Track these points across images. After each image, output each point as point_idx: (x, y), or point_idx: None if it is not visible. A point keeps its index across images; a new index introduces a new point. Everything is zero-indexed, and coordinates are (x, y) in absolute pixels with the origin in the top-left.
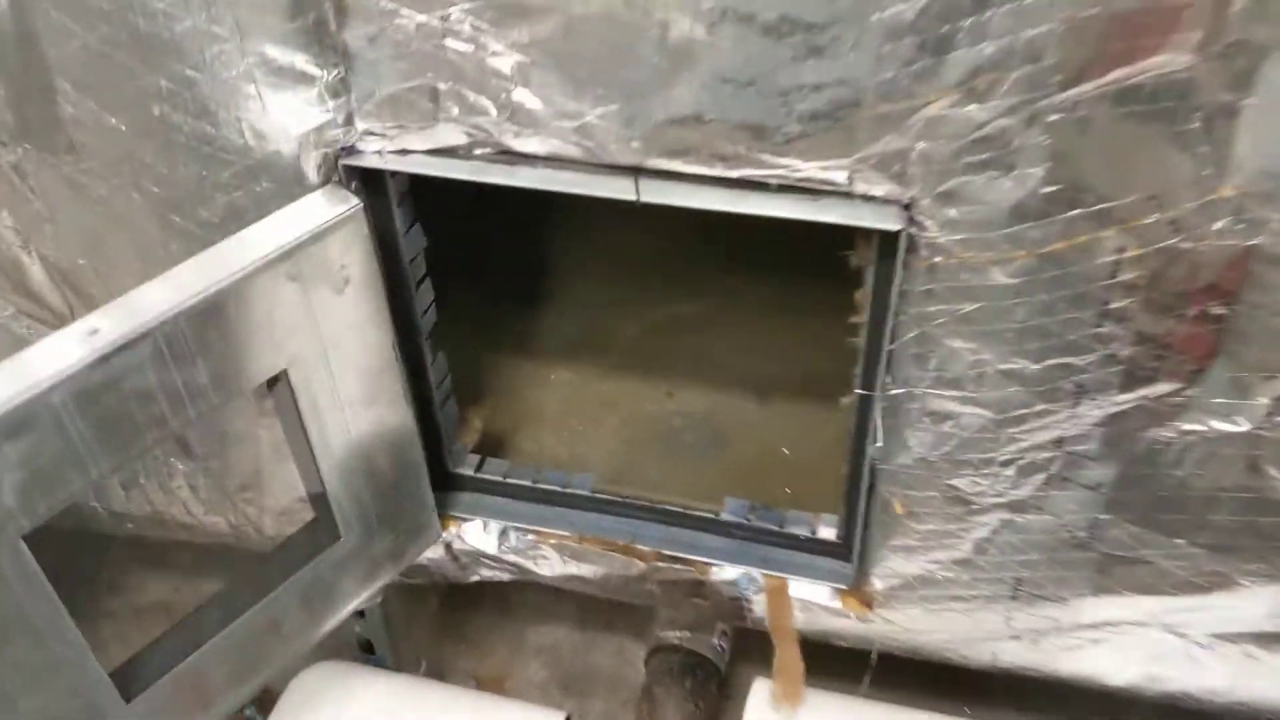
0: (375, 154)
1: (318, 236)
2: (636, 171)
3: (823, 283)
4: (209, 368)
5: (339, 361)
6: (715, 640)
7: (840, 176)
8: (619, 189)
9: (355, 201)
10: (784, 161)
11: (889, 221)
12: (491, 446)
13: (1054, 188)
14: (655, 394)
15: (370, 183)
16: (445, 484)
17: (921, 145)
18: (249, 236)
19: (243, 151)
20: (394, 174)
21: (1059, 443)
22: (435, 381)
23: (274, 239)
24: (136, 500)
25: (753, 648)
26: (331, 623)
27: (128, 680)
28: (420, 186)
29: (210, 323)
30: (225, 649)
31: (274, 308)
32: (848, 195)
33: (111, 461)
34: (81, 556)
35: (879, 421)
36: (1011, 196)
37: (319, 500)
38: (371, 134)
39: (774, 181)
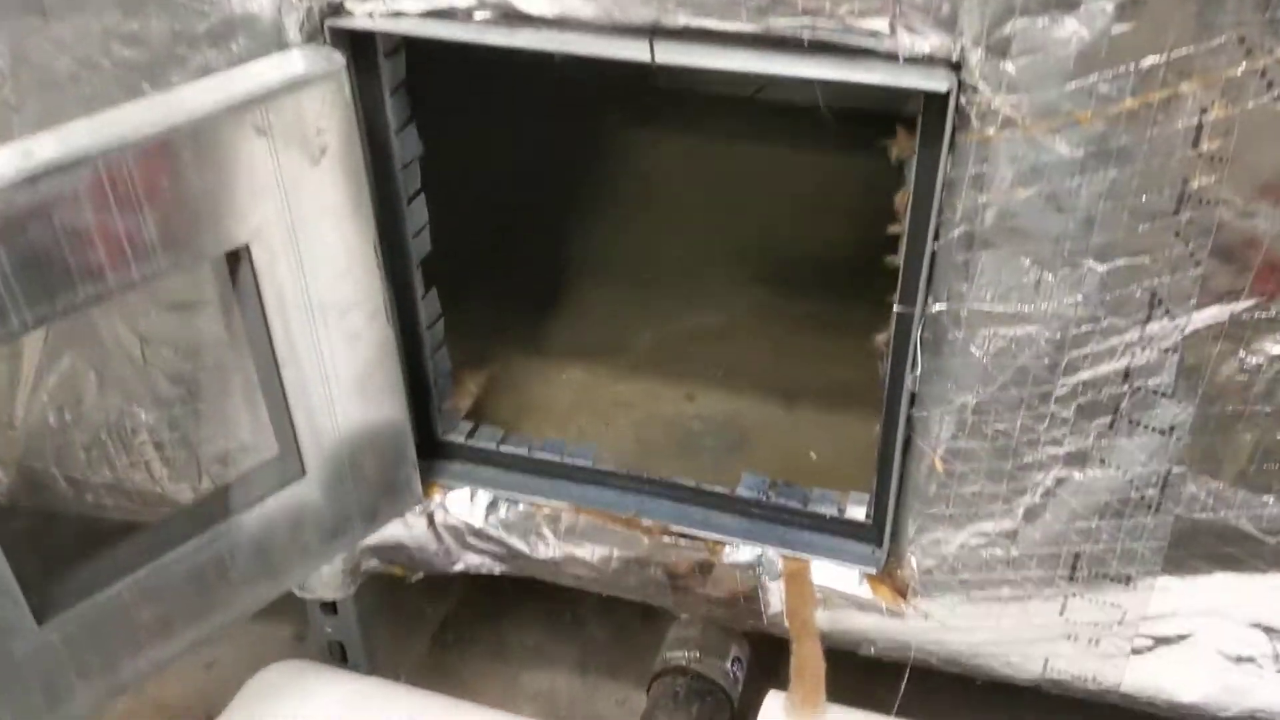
0: (366, 15)
1: (292, 89)
2: (652, 31)
3: (859, 302)
4: (157, 220)
5: (311, 249)
6: (728, 665)
7: (880, 24)
8: (632, 49)
9: (338, 58)
10: (818, 4)
11: (936, 80)
12: None
13: (1126, 26)
14: (674, 396)
15: (361, 57)
16: (432, 451)
17: None
18: (214, 81)
19: (218, 2)
20: (389, 54)
21: (1126, 375)
22: (426, 321)
23: (242, 84)
24: (97, 464)
25: (769, 670)
26: (289, 579)
27: (42, 597)
28: (418, 80)
29: (161, 166)
30: (158, 584)
31: (237, 163)
32: (890, 56)
33: (35, 310)
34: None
35: (918, 345)
36: (1077, 40)
37: (280, 422)
38: None
39: (805, 35)
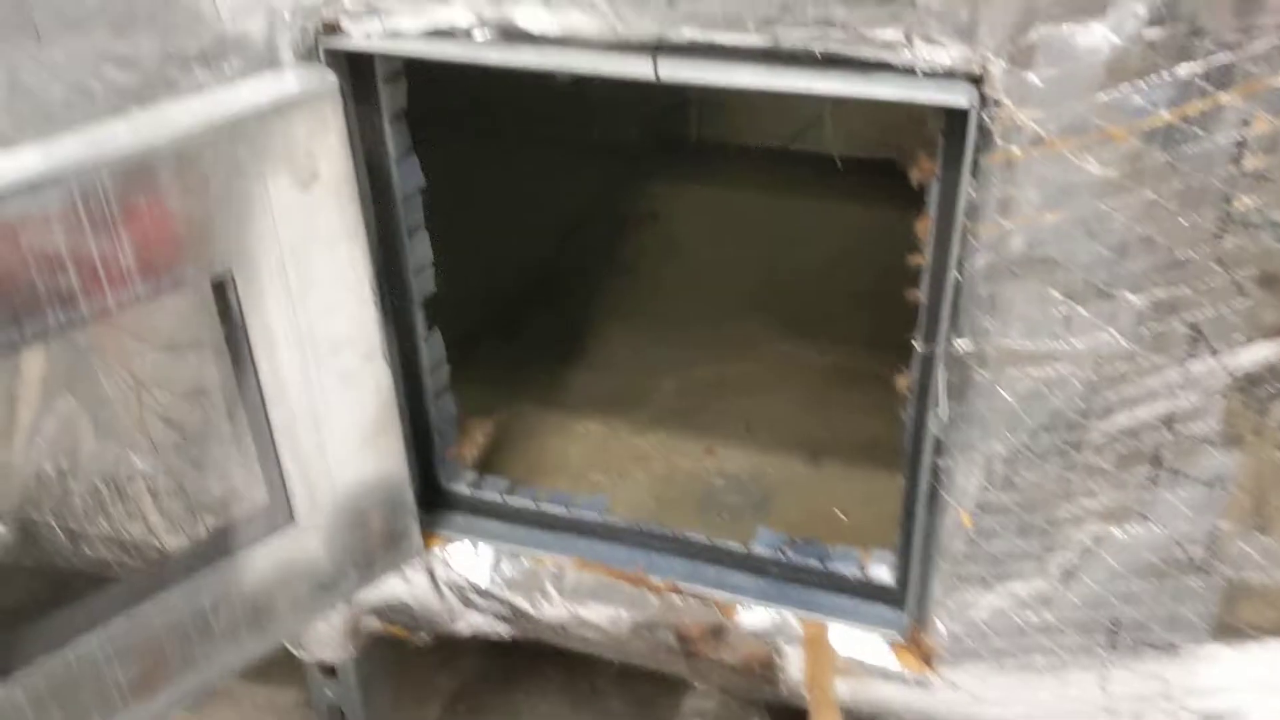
0: (363, 35)
1: (282, 109)
2: (656, 47)
3: (887, 354)
4: (134, 244)
5: (301, 280)
6: None
7: (896, 34)
8: (635, 66)
9: (331, 77)
10: (830, 13)
11: (956, 95)
12: None
13: (1160, 30)
14: (694, 450)
15: (360, 81)
16: (434, 500)
17: None
18: (199, 100)
19: (209, 21)
20: (389, 80)
21: (1168, 419)
22: (429, 364)
23: (228, 104)
24: (93, 515)
25: None
26: (278, 633)
27: (6, 649)
28: (419, 112)
29: (139, 185)
30: (135, 638)
31: (221, 185)
32: (907, 70)
33: (2, 334)
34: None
35: (942, 385)
36: (1107, 47)
37: (269, 465)
38: (357, 8)
39: (816, 48)
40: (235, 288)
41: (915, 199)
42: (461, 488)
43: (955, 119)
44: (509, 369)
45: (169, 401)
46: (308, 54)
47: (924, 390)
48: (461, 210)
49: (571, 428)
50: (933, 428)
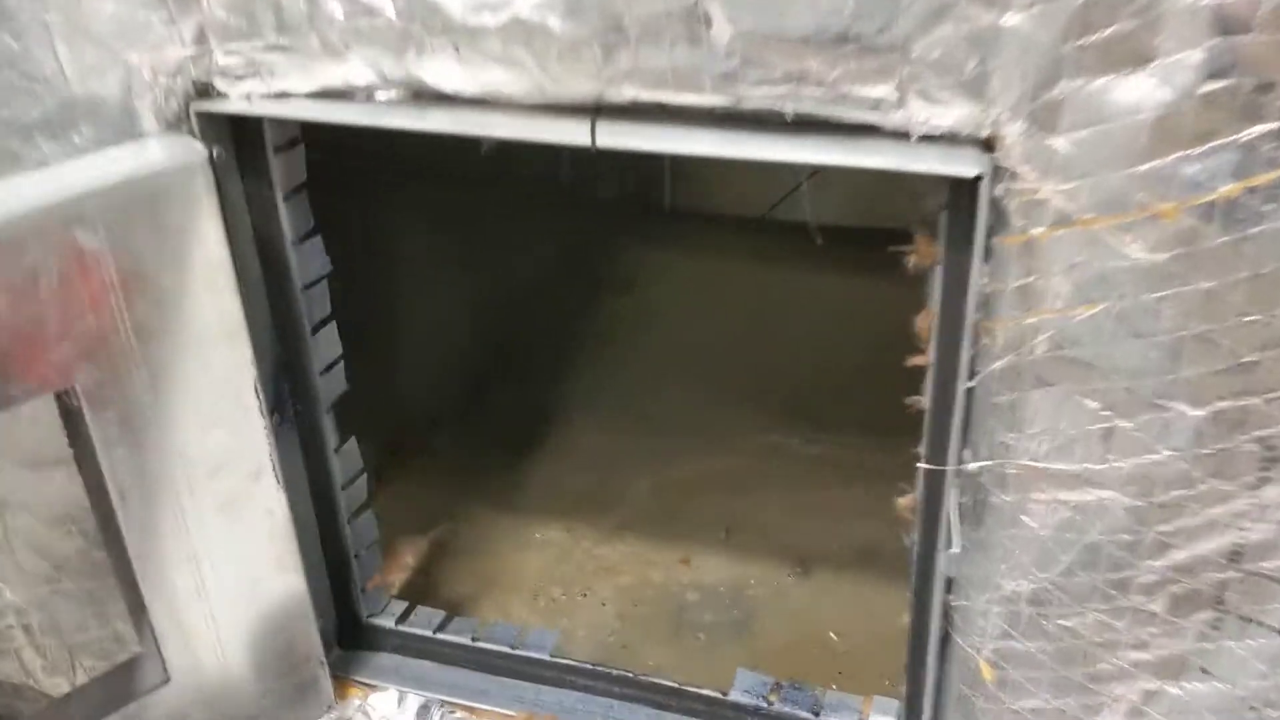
0: (242, 97)
1: (140, 186)
2: (595, 110)
3: (883, 445)
4: None
5: (167, 390)
6: None
7: (885, 90)
8: (569, 131)
9: (198, 148)
10: (803, 67)
11: (961, 164)
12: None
13: (1219, 85)
14: (667, 560)
15: (246, 152)
16: (353, 637)
17: (1012, 21)
18: (32, 177)
19: (53, 81)
20: (281, 149)
21: (1235, 555)
22: (342, 478)
23: (70, 181)
24: None
25: None
26: None
27: None
28: (323, 173)
29: None
30: None
31: (59, 278)
32: (898, 134)
33: None
34: None
35: (953, 512)
36: (1152, 104)
37: (136, 613)
38: (234, 66)
39: (787, 109)
40: (81, 403)
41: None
42: (386, 622)
43: (961, 192)
44: (461, 460)
45: (34, 527)
46: (176, 120)
47: (931, 515)
48: (409, 268)
49: (529, 535)
50: (942, 565)
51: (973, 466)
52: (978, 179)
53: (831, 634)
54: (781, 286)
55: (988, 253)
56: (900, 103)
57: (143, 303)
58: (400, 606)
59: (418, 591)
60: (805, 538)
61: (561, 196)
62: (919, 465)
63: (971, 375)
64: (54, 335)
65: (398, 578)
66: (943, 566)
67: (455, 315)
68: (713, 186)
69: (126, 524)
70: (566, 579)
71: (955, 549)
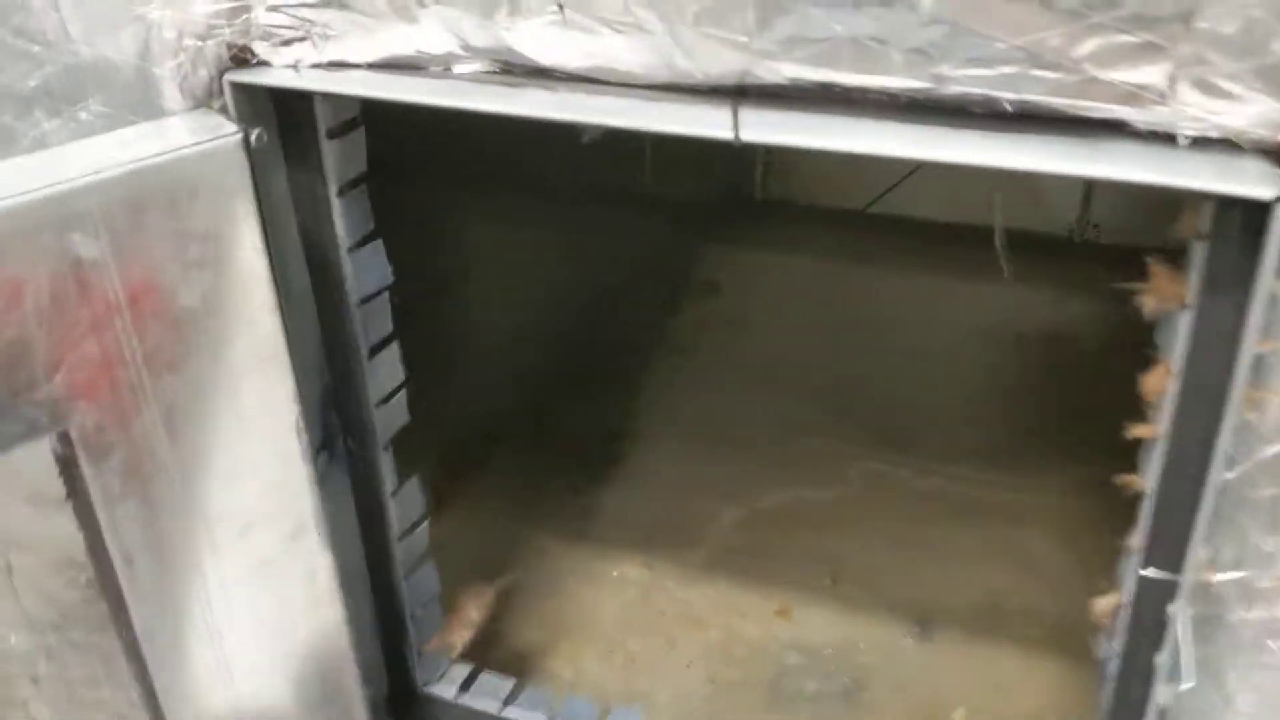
0: (288, 66)
1: (156, 175)
2: (738, 92)
3: (1010, 476)
4: None
5: (192, 437)
6: None
7: (1152, 75)
8: (702, 120)
9: (229, 127)
10: (1034, 42)
11: (1250, 181)
12: (503, 665)
13: None
14: (762, 612)
15: (293, 134)
16: (407, 710)
17: None
18: (25, 161)
19: (54, 40)
20: (336, 133)
21: None
22: (399, 528)
23: (70, 168)
24: None
25: None
26: None
27: None
28: (386, 164)
29: None
30: None
31: (50, 295)
32: (1159, 135)
33: None
34: None
35: (1186, 638)
36: None
37: (146, 699)
38: (279, 27)
39: (1007, 97)
40: (76, 450)
41: (1034, 275)
42: (446, 692)
43: (1235, 217)
44: (525, 483)
45: (38, 568)
46: (206, 95)
47: (1143, 629)
48: (469, 272)
49: (604, 573)
50: (1161, 696)
51: (1220, 579)
52: (1276, 202)
53: (957, 716)
54: (886, 291)
55: (1272, 302)
56: (1169, 93)
57: (157, 326)
58: (462, 672)
59: (481, 641)
60: (922, 589)
61: (641, 199)
62: (1136, 570)
63: (1230, 462)
64: (42, 367)
65: (460, 637)
66: (1161, 698)
67: (519, 323)
68: (808, 177)
69: (132, 594)
70: (646, 627)
71: (1186, 684)
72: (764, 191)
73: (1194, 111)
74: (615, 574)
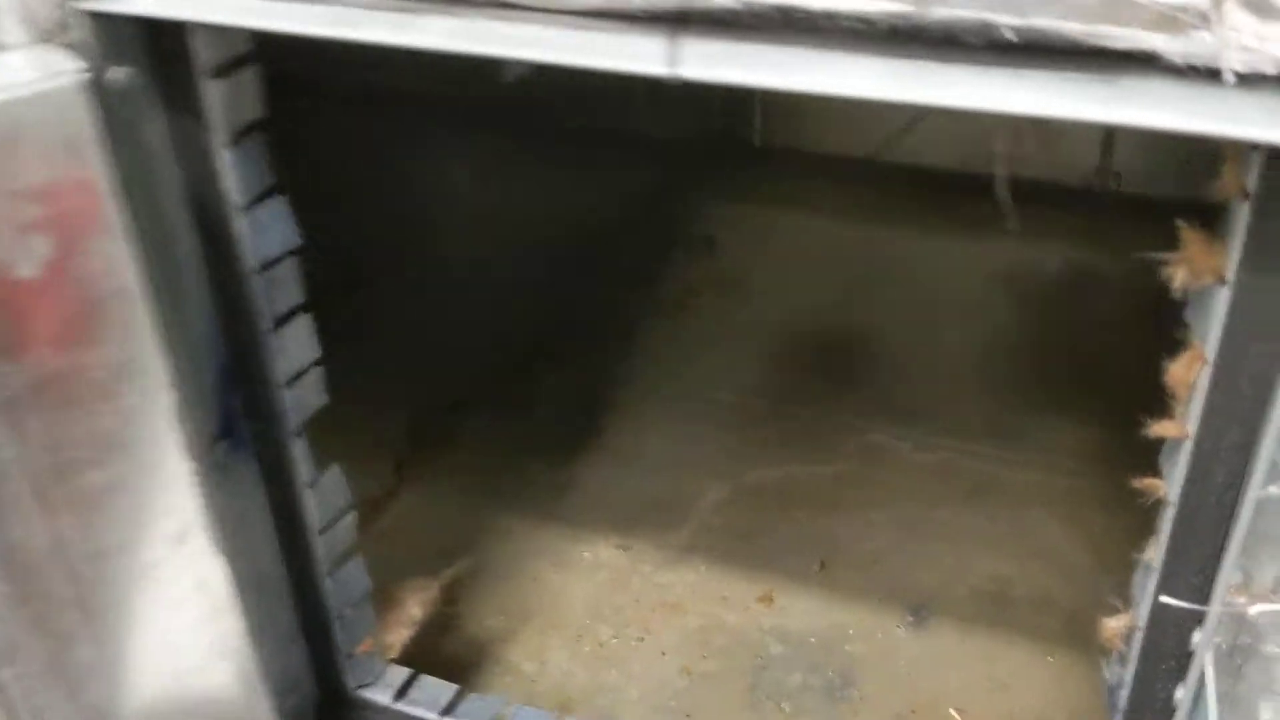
0: None
1: None
2: (679, 19)
3: (1018, 452)
4: None
5: (40, 438)
6: None
7: None
8: (632, 54)
9: (73, 66)
10: None
11: None
12: (457, 655)
13: None
14: (745, 596)
15: (171, 74)
16: (337, 716)
17: None
18: None
19: None
20: (219, 73)
21: None
22: (319, 521)
23: None
24: None
25: None
26: None
27: None
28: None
29: None
30: None
31: None
32: (1198, 70)
33: None
34: None
35: (1211, 673)
36: None
37: None
38: None
39: (1009, 25)
40: None
41: (1050, 230)
42: (380, 696)
43: None
44: (494, 454)
45: None
46: (58, 26)
47: (1157, 655)
48: (441, 224)
49: (576, 553)
50: None
51: (1255, 611)
52: None
53: (953, 711)
54: (892, 247)
55: None
56: (1213, 15)
57: (46, 296)
58: (400, 676)
59: (434, 627)
60: (918, 573)
61: (631, 141)
62: (1151, 593)
63: (1275, 472)
64: None
65: (399, 636)
66: None
67: (494, 278)
68: (809, 121)
69: None
70: (620, 614)
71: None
72: (763, 137)
73: (1244, 39)
74: (587, 556)
